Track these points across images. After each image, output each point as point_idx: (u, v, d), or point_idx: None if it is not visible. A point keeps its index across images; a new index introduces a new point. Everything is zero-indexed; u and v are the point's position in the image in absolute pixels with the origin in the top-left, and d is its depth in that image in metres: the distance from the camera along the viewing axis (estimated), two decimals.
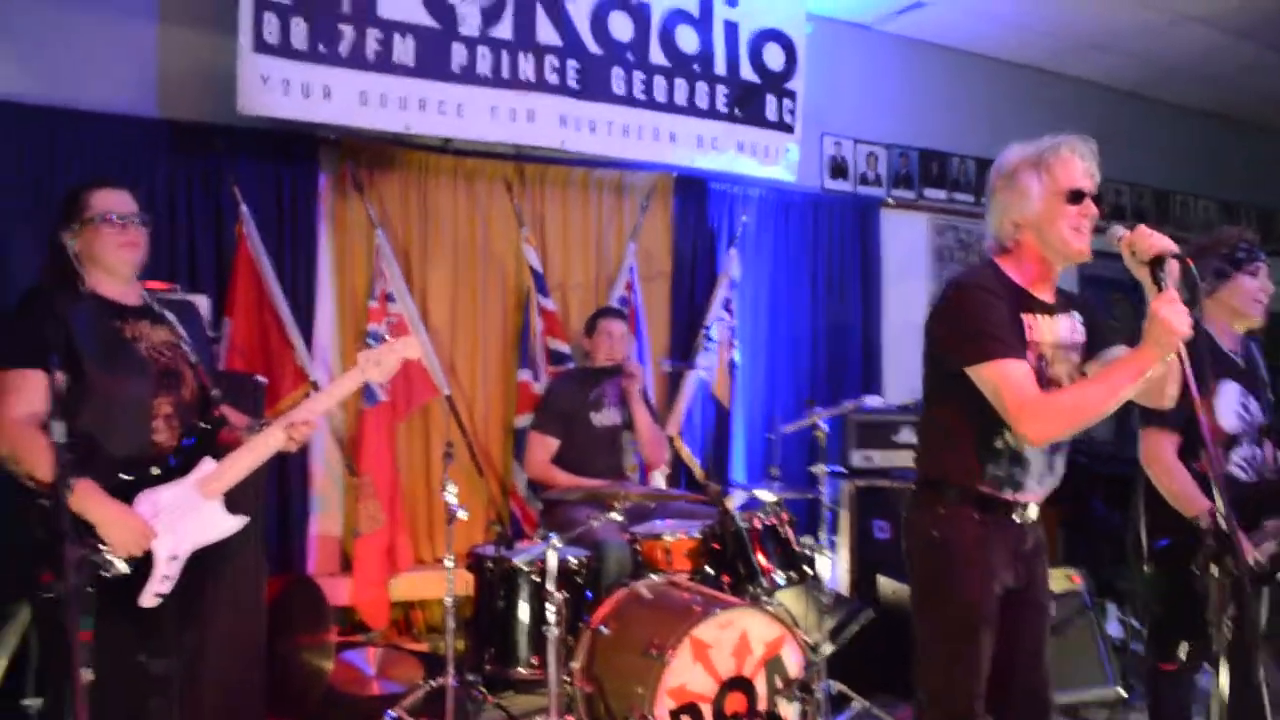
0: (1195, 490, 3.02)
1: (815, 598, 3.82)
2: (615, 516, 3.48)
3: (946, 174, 6.23)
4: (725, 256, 5.32)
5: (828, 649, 3.56)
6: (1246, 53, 6.18)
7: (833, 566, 4.74)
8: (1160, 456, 3.10)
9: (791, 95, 5.12)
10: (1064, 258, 2.48)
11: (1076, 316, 2.57)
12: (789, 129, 5.13)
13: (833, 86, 5.61)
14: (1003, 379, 2.34)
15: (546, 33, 4.49)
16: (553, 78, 4.52)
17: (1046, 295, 2.53)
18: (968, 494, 2.48)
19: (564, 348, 4.79)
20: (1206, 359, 3.13)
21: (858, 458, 4.93)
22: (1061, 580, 4.00)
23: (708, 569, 3.62)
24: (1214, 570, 2.31)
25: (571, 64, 4.57)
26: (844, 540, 4.84)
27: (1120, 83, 6.80)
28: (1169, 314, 2.18)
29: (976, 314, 2.40)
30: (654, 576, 3.48)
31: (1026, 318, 2.45)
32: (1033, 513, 2.54)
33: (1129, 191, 7.11)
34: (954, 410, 2.50)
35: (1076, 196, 2.44)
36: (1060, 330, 2.52)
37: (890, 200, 6.00)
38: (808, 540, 3.65)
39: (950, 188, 6.25)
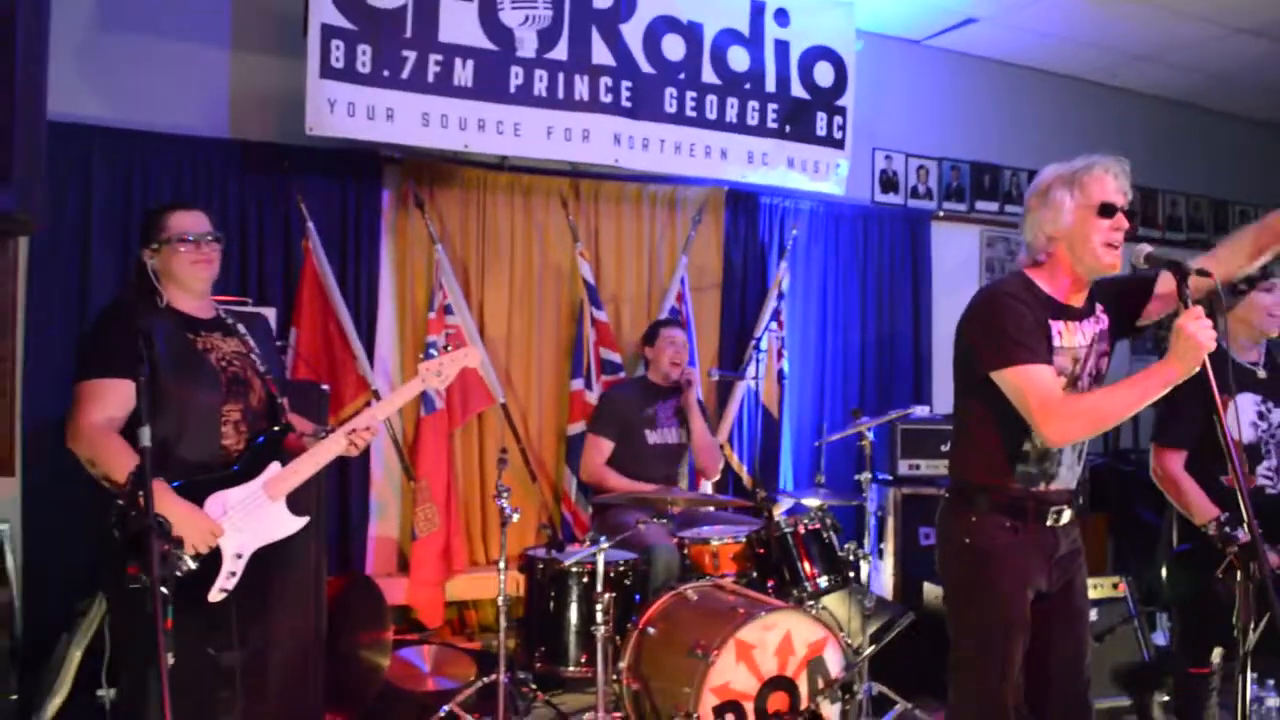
0: (1204, 500, 3.22)
1: (858, 602, 3.90)
2: (664, 521, 3.60)
3: (998, 186, 6.27)
4: (775, 269, 5.42)
5: (869, 651, 3.64)
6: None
7: (878, 572, 4.81)
8: (1167, 471, 3.31)
9: (841, 111, 5.21)
10: (1094, 270, 2.57)
11: (1099, 309, 2.65)
12: (839, 144, 5.21)
13: (882, 101, 5.69)
14: (1026, 382, 2.43)
15: (601, 54, 4.63)
16: (607, 97, 4.65)
17: (1077, 303, 2.61)
18: (999, 499, 2.57)
19: (616, 358, 4.92)
20: (1228, 373, 3.24)
21: (904, 466, 5.00)
22: (1107, 587, 4.03)
23: (753, 573, 3.71)
24: (1237, 576, 2.38)
25: (625, 84, 4.70)
26: (889, 547, 4.91)
27: (1170, 92, 6.78)
28: (1195, 329, 2.25)
29: (1002, 321, 2.49)
30: (700, 580, 3.59)
31: (1056, 325, 2.54)
32: (1066, 516, 2.61)
33: (1185, 202, 7.07)
34: (982, 415, 2.59)
35: (1108, 211, 2.52)
36: (1090, 332, 2.60)
37: (941, 213, 6.06)
38: (851, 546, 3.73)
39: (1002, 200, 6.29)
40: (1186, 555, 3.35)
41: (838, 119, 5.20)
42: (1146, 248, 2.45)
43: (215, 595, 2.58)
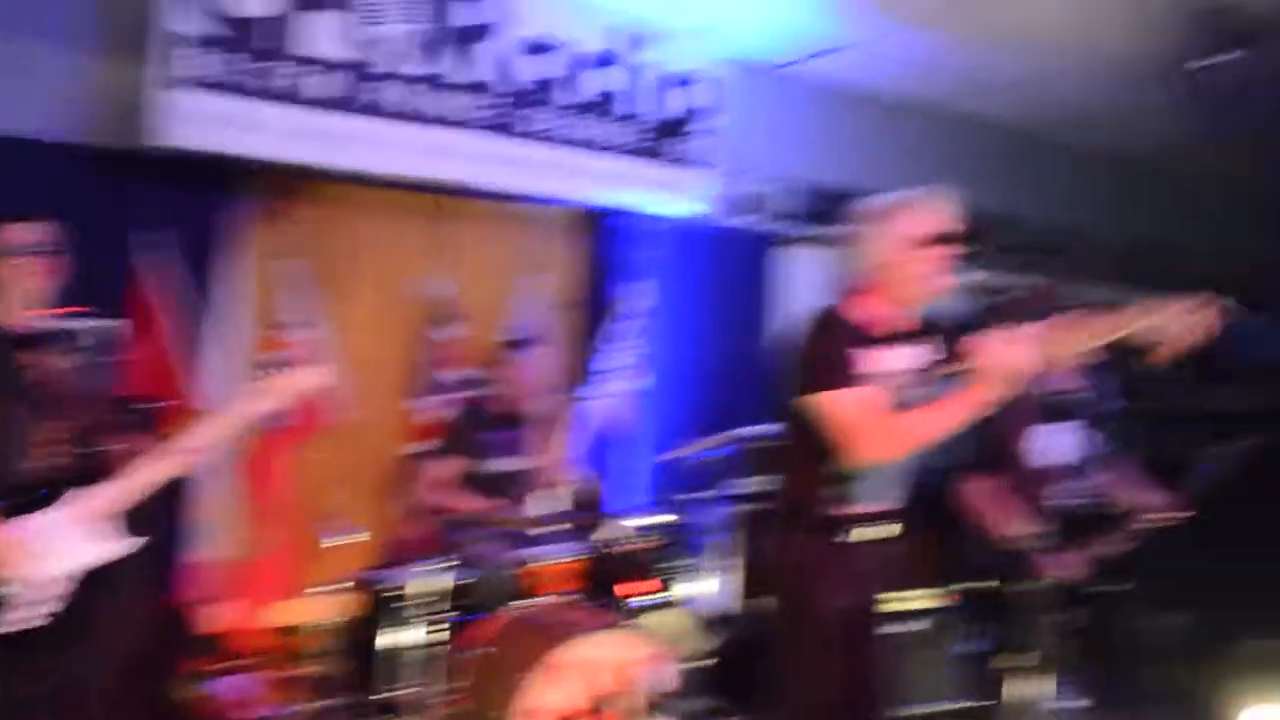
0: (1004, 517, 3.39)
1: (691, 618, 4.00)
2: (500, 540, 3.64)
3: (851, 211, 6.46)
4: (634, 289, 5.50)
5: (701, 666, 3.74)
6: (1141, 99, 6.46)
7: (719, 587, 4.92)
8: (968, 494, 3.59)
9: (702, 135, 5.33)
10: (918, 297, 2.70)
11: (932, 344, 2.78)
12: (699, 167, 5.34)
13: (745, 126, 5.81)
14: (834, 407, 2.55)
15: (463, 71, 4.66)
16: (468, 115, 4.69)
17: (899, 329, 2.74)
18: (819, 518, 2.69)
19: (470, 376, 4.94)
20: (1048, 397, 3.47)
21: (750, 483, 5.11)
22: (928, 598, 4.23)
23: (588, 591, 3.78)
24: (1019, 586, 2.57)
25: (487, 102, 4.74)
26: (732, 562, 5.01)
27: (1018, 123, 7.09)
28: (1007, 353, 2.40)
29: (813, 349, 2.62)
30: (534, 599, 3.64)
31: (872, 352, 2.66)
32: (885, 532, 2.74)
33: (1030, 229, 7.37)
34: (800, 437, 2.71)
35: (932, 240, 2.66)
36: (911, 360, 2.73)
37: (795, 236, 6.22)
38: (686, 562, 3.83)
39: None
40: (981, 568, 3.58)
41: (698, 142, 5.33)
42: (981, 275, 2.60)
43: (24, 623, 2.51)
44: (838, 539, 2.68)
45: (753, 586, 4.90)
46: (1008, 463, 3.54)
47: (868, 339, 2.68)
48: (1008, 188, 7.09)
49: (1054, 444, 3.63)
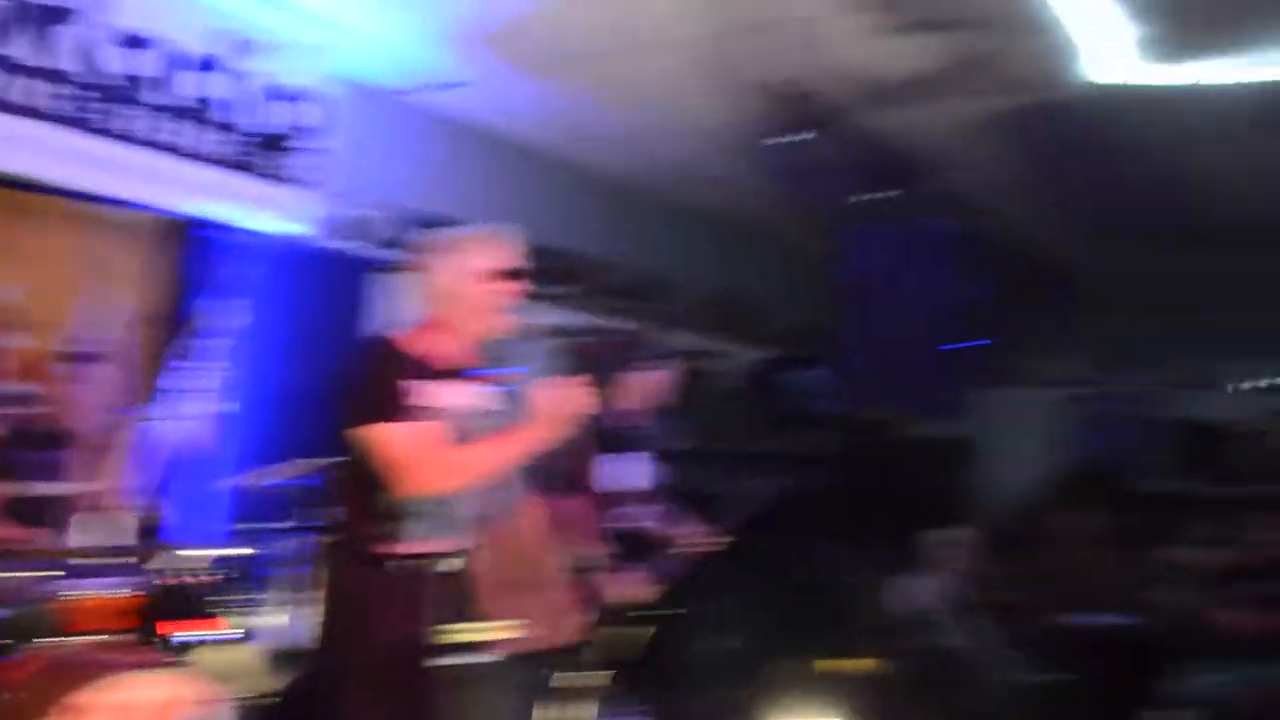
0: (575, 539, 3.74)
1: (255, 655, 3.82)
2: (36, 573, 3.31)
3: None
4: (221, 306, 5.21)
5: (263, 706, 3.58)
6: (730, 164, 7.06)
7: (290, 622, 4.74)
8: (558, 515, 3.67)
9: (307, 153, 5.17)
10: (480, 331, 2.75)
11: (500, 383, 2.84)
12: (302, 185, 5.17)
13: (355, 149, 5.71)
14: (384, 440, 2.54)
15: (41, 57, 4.23)
16: (43, 104, 4.26)
17: (461, 364, 2.77)
18: (371, 551, 2.65)
19: (22, 390, 4.46)
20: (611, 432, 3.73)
21: (326, 514, 4.97)
22: (495, 630, 4.36)
23: (137, 628, 3.51)
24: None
25: (67, 92, 4.33)
26: (304, 596, 4.86)
27: (623, 176, 7.54)
28: (560, 397, 2.49)
29: (366, 380, 2.60)
30: (72, 637, 3.33)
31: (429, 386, 2.67)
32: (446, 565, 2.75)
33: (627, 274, 7.84)
34: (354, 471, 2.68)
35: (494, 276, 2.72)
36: (472, 397, 2.77)
37: (400, 263, 6.18)
38: (253, 595, 3.66)
39: None
40: None
41: (302, 159, 5.16)
42: (542, 319, 2.69)
43: None
44: (391, 572, 2.66)
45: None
46: (576, 487, 3.75)
47: (427, 372, 2.70)
48: (608, 235, 7.50)
49: (620, 472, 3.91)
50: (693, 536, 4.09)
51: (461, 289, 2.72)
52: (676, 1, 4.71)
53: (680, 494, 4.30)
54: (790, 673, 4.83)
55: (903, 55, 5.09)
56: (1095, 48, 4.84)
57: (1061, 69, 5.08)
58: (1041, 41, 4.80)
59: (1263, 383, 9.99)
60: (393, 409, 2.57)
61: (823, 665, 4.95)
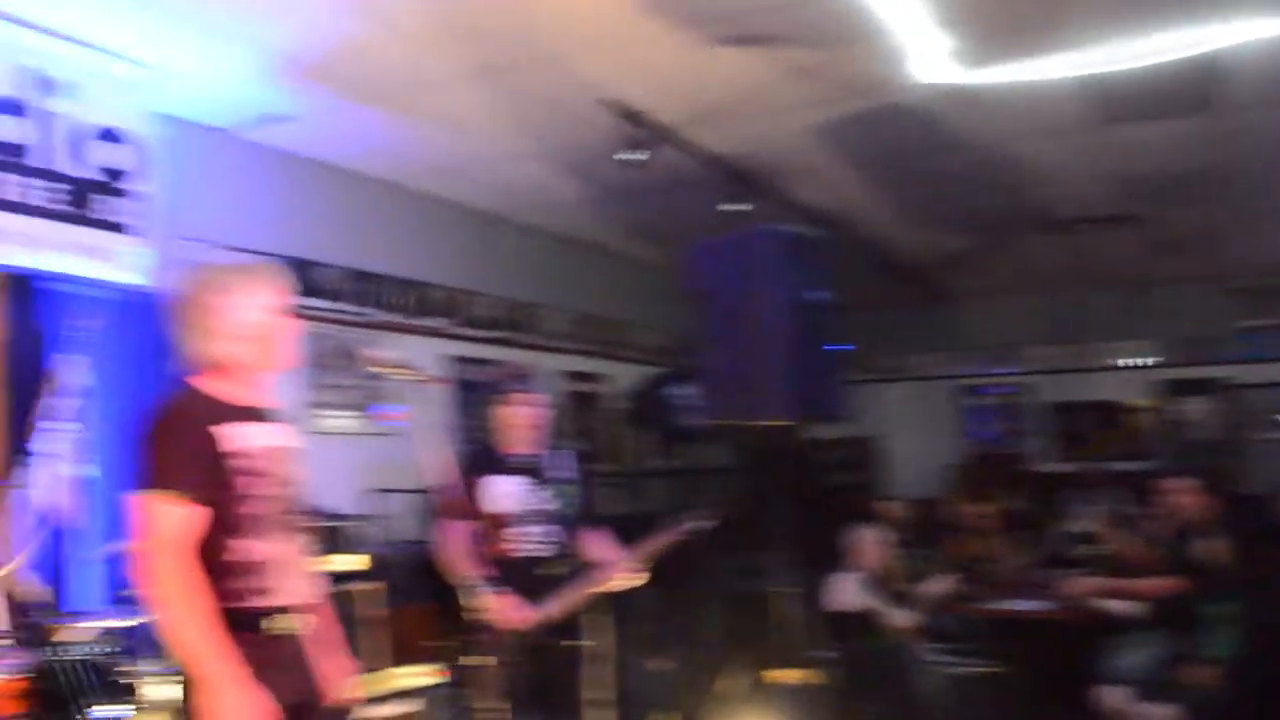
0: (468, 563, 3.93)
1: None
2: None
3: (317, 283, 6.33)
4: (66, 362, 4.93)
5: None
6: (580, 188, 7.07)
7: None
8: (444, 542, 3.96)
9: (134, 196, 4.93)
10: (267, 368, 2.66)
11: (292, 425, 2.75)
12: (131, 231, 4.94)
13: (190, 190, 5.46)
14: (153, 514, 2.42)
15: None
16: None
17: (256, 404, 2.67)
18: (225, 610, 2.52)
19: None
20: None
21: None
22: (423, 676, 4.37)
23: (35, 712, 3.28)
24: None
25: None
26: None
27: (477, 204, 7.44)
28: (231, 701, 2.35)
29: (157, 443, 2.48)
30: None
31: (230, 429, 2.56)
32: (302, 627, 2.63)
33: (493, 304, 7.73)
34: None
35: (271, 311, 2.64)
36: (272, 437, 2.67)
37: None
38: (153, 666, 3.45)
39: (329, 297, 6.36)
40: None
41: (129, 203, 4.90)
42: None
43: None
44: (251, 633, 2.52)
45: None
46: (471, 513, 3.78)
47: (241, 412, 2.60)
48: (470, 264, 7.42)
49: (512, 495, 4.06)
50: (609, 565, 4.15)
51: (238, 327, 2.62)
52: (494, 25, 4.65)
53: (579, 517, 4.31)
54: (724, 688, 4.86)
55: (735, 68, 5.15)
56: (921, 52, 4.99)
57: (891, 73, 5.20)
58: (869, 48, 4.91)
59: (1126, 362, 10.46)
60: (179, 477, 2.45)
61: (764, 676, 5.00)
